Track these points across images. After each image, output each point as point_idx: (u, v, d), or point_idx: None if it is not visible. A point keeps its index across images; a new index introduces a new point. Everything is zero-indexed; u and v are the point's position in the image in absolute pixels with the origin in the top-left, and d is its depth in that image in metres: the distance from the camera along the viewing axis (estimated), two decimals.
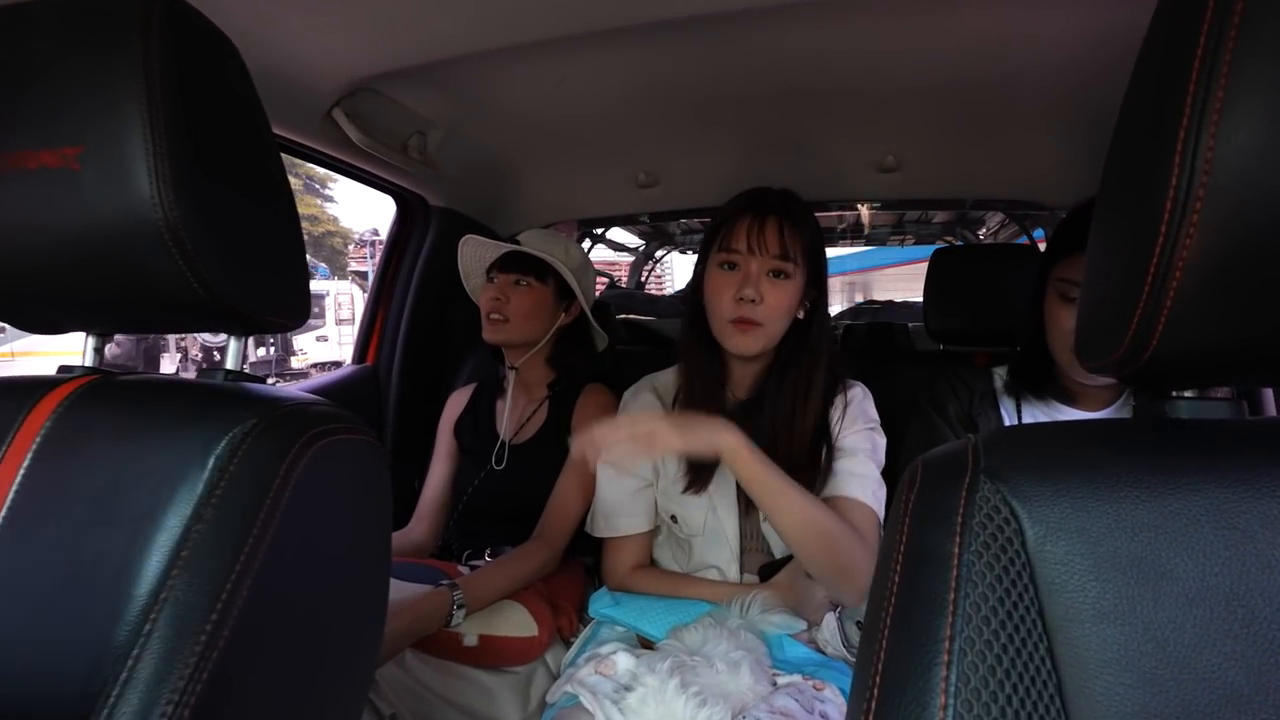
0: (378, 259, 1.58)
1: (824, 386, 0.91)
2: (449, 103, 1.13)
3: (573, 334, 1.18)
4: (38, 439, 0.44)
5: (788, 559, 0.90)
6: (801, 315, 0.91)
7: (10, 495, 0.42)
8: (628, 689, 0.68)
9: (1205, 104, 0.25)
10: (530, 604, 0.91)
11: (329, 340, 11.50)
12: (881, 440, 0.93)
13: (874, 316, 2.33)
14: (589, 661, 0.76)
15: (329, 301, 12.14)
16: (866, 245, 3.68)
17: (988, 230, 2.73)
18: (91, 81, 0.42)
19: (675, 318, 1.98)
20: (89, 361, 0.57)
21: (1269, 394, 1.10)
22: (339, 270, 16.75)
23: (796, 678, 0.74)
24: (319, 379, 1.41)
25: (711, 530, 0.93)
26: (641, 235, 3.26)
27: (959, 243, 2.88)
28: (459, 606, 0.83)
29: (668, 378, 1.02)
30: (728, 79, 1.05)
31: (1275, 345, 0.29)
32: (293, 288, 0.53)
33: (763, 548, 0.93)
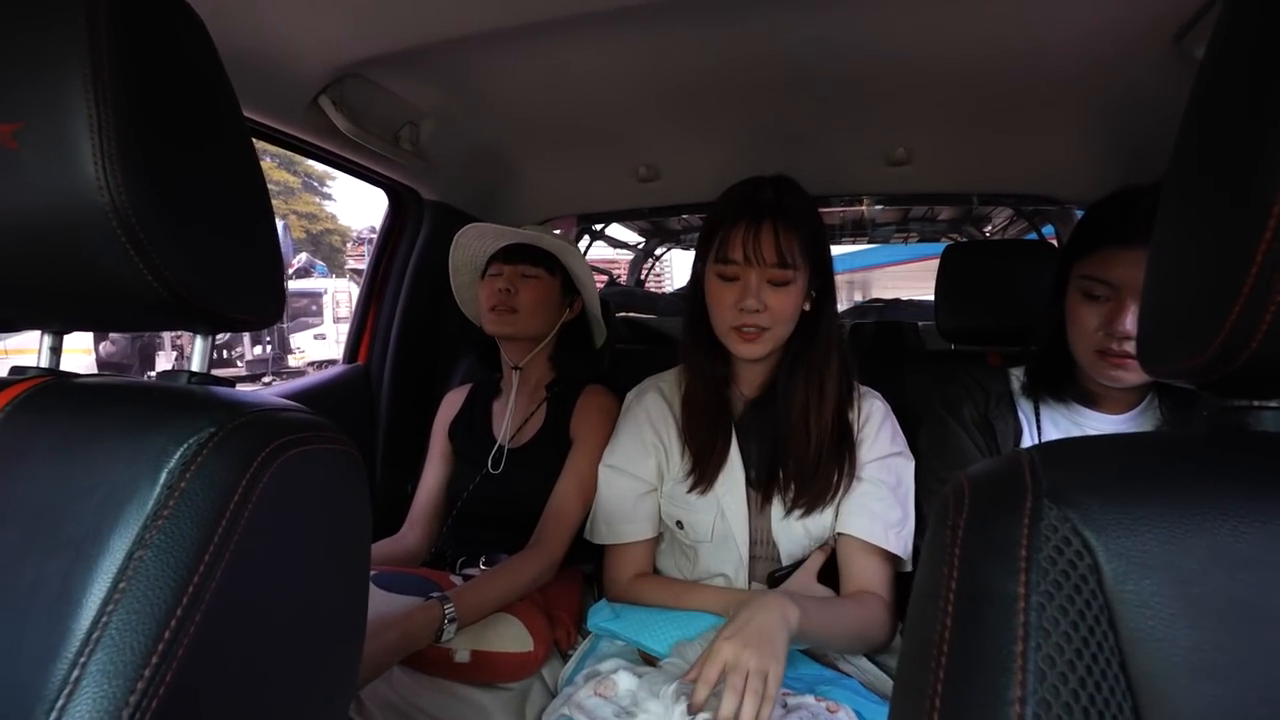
0: None
1: (839, 378, 0.87)
2: (442, 91, 1.08)
3: (575, 331, 1.14)
4: None
5: (797, 565, 0.87)
6: (808, 307, 0.87)
7: None
8: (629, 713, 0.64)
9: None
10: (526, 617, 0.87)
11: (327, 338, 11.43)
12: (909, 467, 0.90)
13: (880, 315, 2.28)
14: (588, 681, 0.72)
15: (327, 299, 12.08)
16: (869, 243, 3.63)
17: (994, 227, 2.69)
18: (31, 51, 0.37)
19: (676, 316, 1.94)
20: (44, 362, 0.53)
21: None
22: (337, 268, 16.69)
23: (808, 698, 0.70)
24: (309, 379, 1.36)
25: (720, 535, 0.89)
26: (641, 232, 3.22)
27: (965, 239, 2.83)
28: (450, 620, 0.79)
29: (672, 378, 0.98)
30: (732, 67, 1.00)
31: None
32: (265, 282, 0.48)
33: (772, 554, 0.89)
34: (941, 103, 1.10)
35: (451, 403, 1.20)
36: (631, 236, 3.28)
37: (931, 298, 1.18)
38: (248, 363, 10.10)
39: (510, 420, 1.10)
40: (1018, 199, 1.60)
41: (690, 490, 0.88)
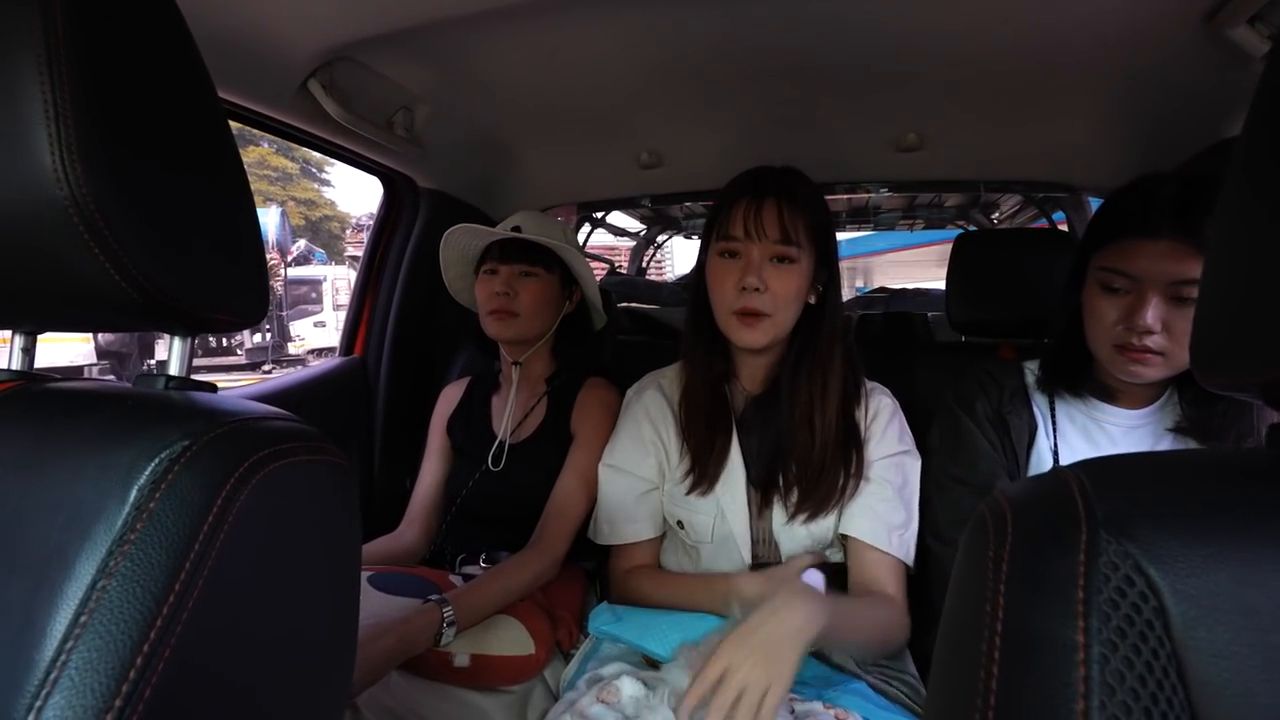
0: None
1: (843, 375, 0.84)
2: (437, 75, 1.04)
3: (574, 321, 1.11)
4: None
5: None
6: (813, 300, 0.84)
7: None
8: None
9: None
10: (527, 618, 0.85)
11: (326, 325, 11.41)
12: (915, 465, 0.88)
13: (886, 306, 2.25)
14: (591, 686, 0.70)
15: (326, 286, 12.03)
16: (874, 230, 3.57)
17: (1002, 214, 2.64)
18: None
19: (680, 306, 1.90)
20: (16, 364, 0.50)
21: None
22: (336, 255, 16.61)
23: (816, 705, 0.68)
24: (303, 373, 1.34)
25: (720, 535, 0.87)
26: (643, 219, 3.17)
27: (972, 227, 2.78)
28: (449, 624, 0.77)
29: (673, 374, 0.96)
30: (737, 48, 0.96)
31: None
32: (246, 280, 0.45)
33: (774, 555, 0.87)
34: (955, 85, 1.05)
35: (449, 397, 1.17)
36: (632, 224, 3.24)
37: (936, 286, 1.15)
38: (247, 351, 10.08)
39: (510, 416, 1.08)
40: (1032, 186, 1.56)
41: (690, 491, 0.86)
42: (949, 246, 1.17)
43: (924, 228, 3.14)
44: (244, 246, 0.45)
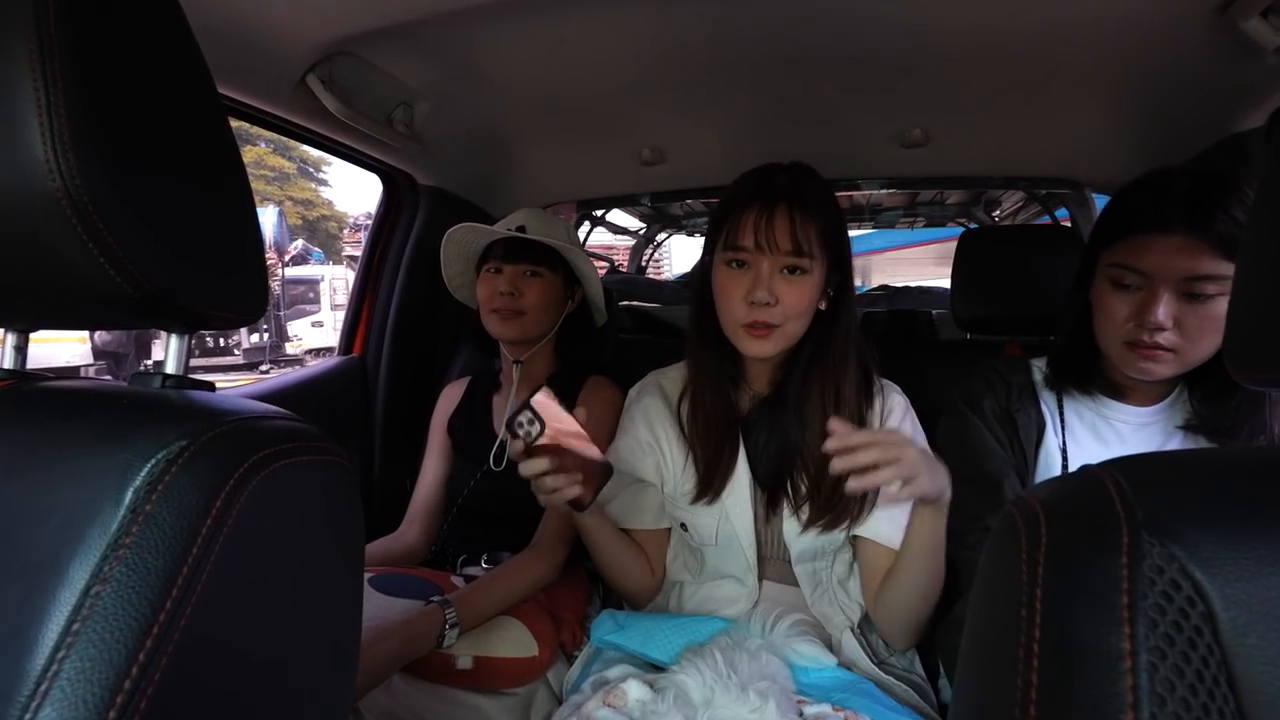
0: None
1: (857, 382, 0.82)
2: (437, 70, 1.03)
3: (576, 319, 1.10)
4: None
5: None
6: (824, 306, 0.82)
7: None
8: None
9: None
10: (530, 619, 0.84)
11: (324, 325, 11.38)
12: None
13: (890, 304, 2.23)
14: (596, 690, 0.69)
15: (324, 286, 12.00)
16: (874, 228, 3.55)
17: (1004, 211, 2.62)
18: None
19: (681, 304, 1.89)
20: (9, 363, 0.49)
21: None
22: (334, 255, 16.58)
23: (825, 708, 0.67)
24: (302, 372, 1.32)
25: (725, 538, 0.85)
26: (643, 217, 3.15)
27: (973, 225, 2.77)
28: (452, 625, 0.76)
29: (675, 374, 0.94)
30: (740, 42, 0.95)
31: None
32: (245, 276, 0.44)
33: (782, 555, 0.86)
34: (962, 80, 1.04)
35: (450, 396, 1.16)
36: (632, 223, 3.22)
37: (937, 283, 1.15)
38: (245, 351, 10.05)
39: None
40: (1039, 182, 1.54)
41: (695, 501, 0.85)
42: (946, 244, 1.16)
43: (925, 225, 3.12)
44: (243, 242, 0.44)
